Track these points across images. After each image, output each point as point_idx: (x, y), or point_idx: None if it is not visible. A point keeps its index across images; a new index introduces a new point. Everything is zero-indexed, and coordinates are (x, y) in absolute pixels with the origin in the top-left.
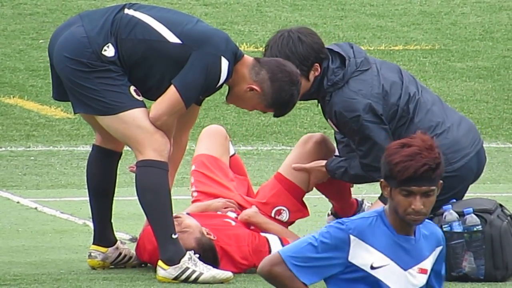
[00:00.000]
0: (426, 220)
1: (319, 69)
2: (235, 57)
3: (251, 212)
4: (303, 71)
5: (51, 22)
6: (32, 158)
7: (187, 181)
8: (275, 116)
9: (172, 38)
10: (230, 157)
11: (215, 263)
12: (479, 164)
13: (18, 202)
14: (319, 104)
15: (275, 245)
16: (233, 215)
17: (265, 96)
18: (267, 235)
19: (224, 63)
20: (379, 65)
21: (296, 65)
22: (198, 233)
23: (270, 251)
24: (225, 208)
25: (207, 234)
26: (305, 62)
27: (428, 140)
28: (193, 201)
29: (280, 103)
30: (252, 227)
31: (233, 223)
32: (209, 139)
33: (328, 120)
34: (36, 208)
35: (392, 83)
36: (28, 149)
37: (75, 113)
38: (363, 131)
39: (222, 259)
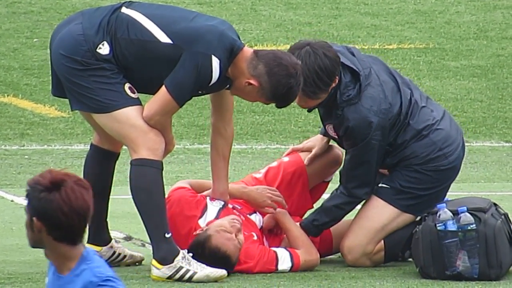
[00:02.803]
0: (89, 265)
1: (337, 81)
2: (231, 52)
3: (282, 210)
4: (328, 86)
5: (45, 21)
6: (26, 156)
7: (181, 179)
8: (277, 107)
9: (163, 38)
10: (323, 182)
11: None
12: (463, 150)
13: (12, 201)
14: (319, 110)
15: (283, 264)
16: (258, 222)
17: (264, 90)
18: (278, 251)
19: (215, 62)
20: (375, 68)
21: (325, 82)
22: (239, 251)
23: (276, 269)
24: (262, 206)
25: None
26: (332, 78)
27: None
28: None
29: (279, 96)
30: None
31: (255, 237)
32: (324, 159)
33: (329, 128)
34: None
35: (392, 90)
36: (22, 147)
37: (72, 109)
38: (366, 147)
39: None
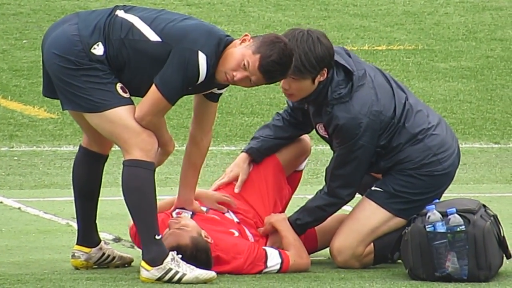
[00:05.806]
0: None
1: (325, 75)
2: (218, 47)
3: (280, 217)
4: (313, 73)
5: (35, 23)
6: (15, 158)
7: (170, 181)
8: (266, 80)
9: (153, 36)
10: (296, 171)
11: (207, 266)
12: (459, 158)
13: (1, 202)
14: (308, 107)
15: (272, 260)
16: (235, 218)
17: (254, 42)
18: (267, 249)
19: (202, 58)
20: (370, 71)
21: (311, 64)
22: (195, 233)
23: (266, 266)
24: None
25: (205, 237)
26: (320, 64)
27: None
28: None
29: (266, 49)
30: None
31: (236, 233)
32: (292, 148)
33: (319, 127)
34: (19, 208)
35: (386, 94)
36: (11, 149)
37: (63, 109)
38: (353, 147)
39: (215, 265)
